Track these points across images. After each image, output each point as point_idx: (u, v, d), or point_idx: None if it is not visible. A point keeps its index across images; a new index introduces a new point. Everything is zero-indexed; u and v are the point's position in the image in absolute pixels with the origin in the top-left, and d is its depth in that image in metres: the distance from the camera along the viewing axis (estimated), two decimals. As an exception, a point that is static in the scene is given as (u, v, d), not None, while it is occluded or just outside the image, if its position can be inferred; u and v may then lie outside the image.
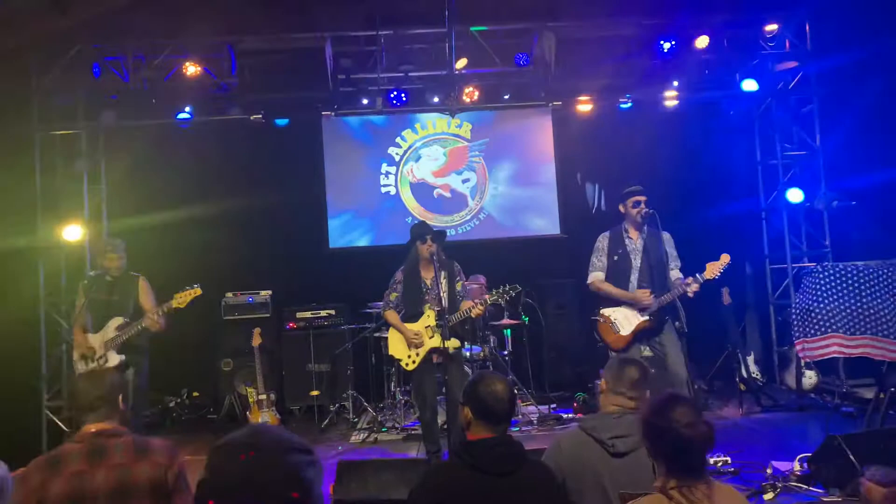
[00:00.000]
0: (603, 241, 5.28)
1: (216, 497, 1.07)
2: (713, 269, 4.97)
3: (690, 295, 4.93)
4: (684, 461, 2.11)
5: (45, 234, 7.09)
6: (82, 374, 2.99)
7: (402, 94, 7.32)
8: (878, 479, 2.21)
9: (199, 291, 5.15)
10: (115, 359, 5.10)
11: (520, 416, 6.60)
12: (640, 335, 5.07)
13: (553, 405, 6.89)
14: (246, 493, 1.06)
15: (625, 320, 5.09)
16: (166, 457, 2.54)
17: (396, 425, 6.57)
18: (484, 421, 2.48)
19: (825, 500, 4.03)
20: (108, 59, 6.95)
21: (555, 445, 2.86)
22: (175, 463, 2.56)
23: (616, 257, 5.19)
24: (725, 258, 5.00)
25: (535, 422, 6.51)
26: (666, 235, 5.18)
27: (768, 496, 4.15)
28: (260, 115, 7.29)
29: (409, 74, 7.35)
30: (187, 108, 7.35)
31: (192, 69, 6.88)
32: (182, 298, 5.11)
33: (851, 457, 3.91)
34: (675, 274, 5.14)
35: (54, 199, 7.25)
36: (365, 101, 7.61)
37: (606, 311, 5.16)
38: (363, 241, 8.30)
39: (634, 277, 5.13)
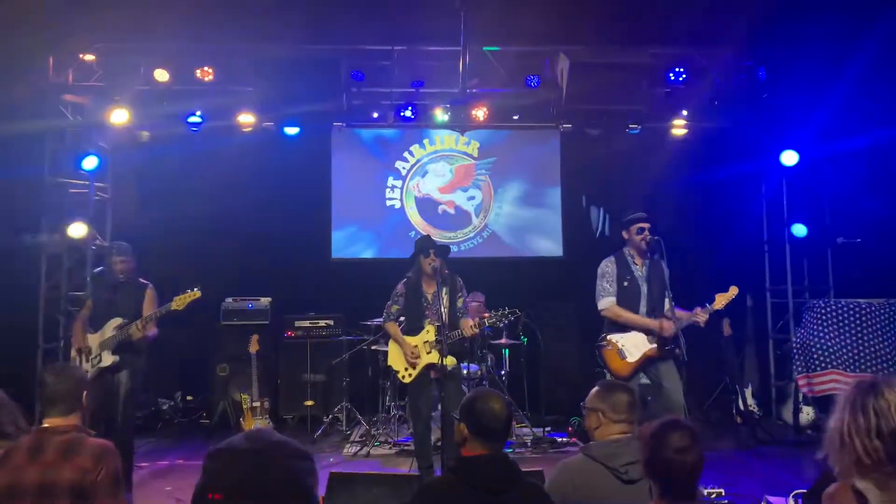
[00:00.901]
0: (610, 266, 5.16)
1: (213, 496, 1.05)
2: (722, 300, 4.94)
3: (701, 324, 4.90)
4: (673, 485, 2.17)
5: (49, 230, 7.10)
6: (49, 367, 3.04)
7: (413, 110, 7.36)
8: None
9: (198, 294, 5.12)
10: (108, 359, 5.06)
11: (514, 438, 6.56)
12: (645, 363, 4.99)
13: (548, 428, 6.84)
14: (245, 497, 1.05)
15: (633, 347, 4.98)
16: (92, 461, 2.54)
17: (389, 440, 6.53)
18: (480, 438, 2.47)
19: (819, 537, 3.99)
20: (124, 58, 7.00)
21: (562, 475, 2.78)
22: (99, 467, 2.54)
23: (626, 283, 5.09)
24: (734, 290, 4.97)
25: (529, 444, 6.47)
26: (663, 265, 5.16)
27: (761, 531, 4.11)
28: (272, 123, 7.33)
29: (421, 90, 7.40)
30: (198, 112, 7.38)
31: (205, 74, 6.93)
32: (181, 301, 5.08)
33: (847, 495, 3.87)
34: (667, 304, 5.09)
35: (60, 196, 7.28)
36: (375, 115, 7.65)
37: (614, 338, 5.03)
38: (366, 254, 8.31)
39: (644, 304, 5.06)
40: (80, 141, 7.41)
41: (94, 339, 5.10)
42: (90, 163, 7.22)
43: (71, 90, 7.15)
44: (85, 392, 2.80)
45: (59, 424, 2.67)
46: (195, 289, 5.11)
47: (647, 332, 4.98)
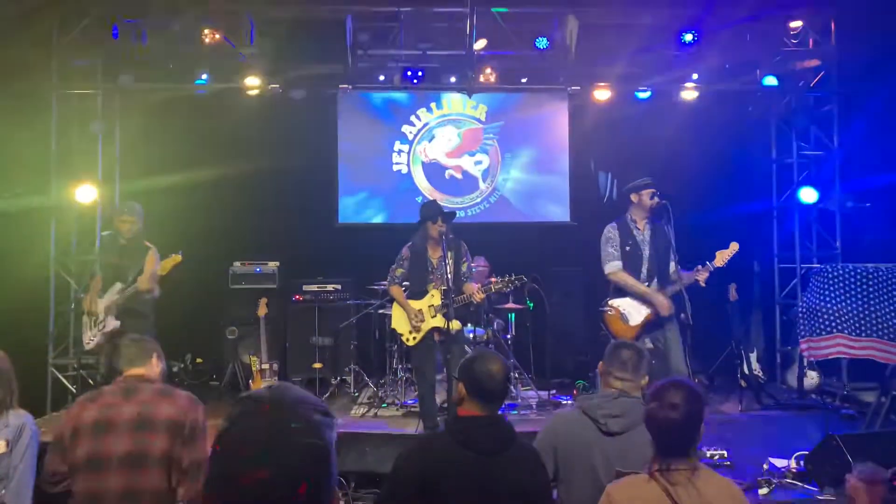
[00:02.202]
0: (613, 231, 5.27)
1: (235, 445, 1.08)
2: (722, 257, 5.02)
3: (702, 283, 4.96)
4: (663, 442, 2.22)
5: (58, 193, 7.13)
6: (125, 338, 3.26)
7: (420, 72, 7.28)
8: (864, 476, 2.21)
9: (179, 259, 5.12)
10: (112, 324, 5.11)
11: (519, 400, 6.64)
12: (647, 326, 5.07)
13: (553, 391, 6.92)
14: (266, 442, 1.08)
15: (634, 311, 5.08)
16: (188, 402, 2.82)
17: (396, 401, 6.61)
18: (477, 398, 2.51)
19: (819, 498, 4.06)
20: (128, 21, 6.93)
21: (552, 420, 3.00)
22: (195, 410, 2.81)
23: (627, 248, 5.19)
24: (734, 246, 5.05)
25: (534, 406, 6.54)
26: (669, 228, 5.18)
27: (763, 491, 4.18)
28: (277, 85, 7.28)
29: (428, 53, 7.31)
30: (204, 75, 7.33)
31: (210, 36, 6.86)
32: (163, 266, 5.09)
33: (849, 457, 3.92)
34: (672, 266, 5.14)
35: (68, 159, 7.29)
36: (382, 77, 7.58)
37: (615, 302, 5.15)
38: (377, 219, 8.29)
39: (645, 268, 5.14)
40: (88, 103, 7.39)
41: (101, 304, 5.15)
42: (98, 126, 7.20)
43: (77, 52, 7.11)
44: (156, 354, 3.02)
45: (141, 373, 2.87)
46: (178, 253, 5.12)
47: (644, 301, 5.05)
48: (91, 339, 5.18)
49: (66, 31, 6.96)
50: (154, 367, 2.96)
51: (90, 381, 6.31)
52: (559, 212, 8.36)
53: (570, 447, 2.78)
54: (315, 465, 1.10)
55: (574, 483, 2.74)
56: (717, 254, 5.05)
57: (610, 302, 5.18)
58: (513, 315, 7.19)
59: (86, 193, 7.12)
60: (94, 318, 5.18)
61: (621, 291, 5.16)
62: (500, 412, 2.60)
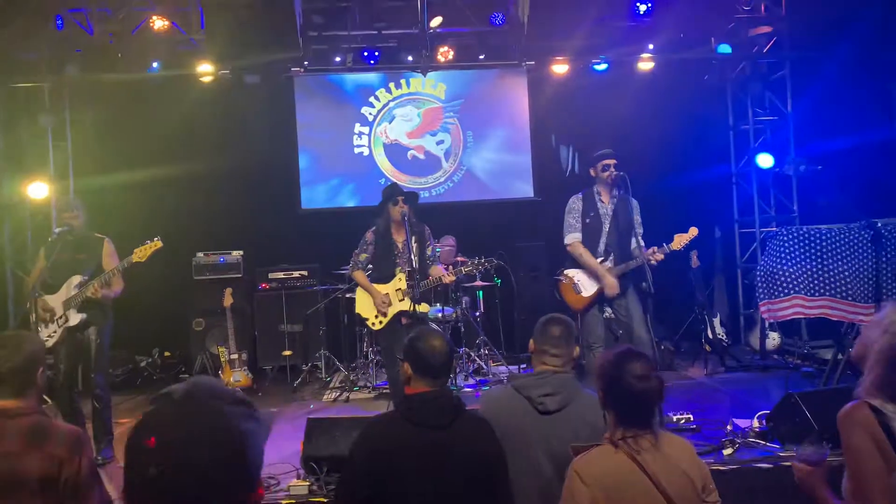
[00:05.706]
0: (577, 202, 5.28)
1: (144, 439, 1.07)
2: (680, 241, 5.02)
3: (653, 263, 4.96)
4: (632, 412, 2.21)
5: (9, 191, 6.94)
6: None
7: (375, 53, 7.20)
8: (806, 458, 2.25)
9: (159, 244, 4.87)
10: (75, 318, 4.94)
11: (490, 376, 6.72)
12: (601, 297, 5.12)
13: (523, 365, 6.99)
14: (179, 437, 1.07)
15: (587, 282, 5.13)
16: (65, 449, 2.24)
17: (368, 384, 6.63)
18: (422, 375, 2.54)
19: (781, 454, 4.17)
20: (71, 10, 6.72)
21: (487, 403, 2.93)
22: (76, 456, 2.25)
23: (588, 220, 5.21)
24: (693, 231, 5.05)
25: (504, 381, 6.61)
26: (633, 202, 5.22)
27: (727, 451, 4.27)
28: (228, 71, 7.14)
29: (383, 32, 7.23)
30: (155, 64, 7.15)
31: (159, 23, 6.69)
32: (142, 252, 4.86)
33: (807, 413, 4.04)
34: (634, 242, 5.17)
35: (19, 155, 7.09)
36: (337, 59, 7.48)
37: (570, 272, 5.19)
38: (349, 205, 8.20)
39: (603, 241, 5.16)
40: (35, 97, 7.17)
41: (56, 301, 4.98)
42: (47, 120, 7.00)
43: (20, 44, 6.88)
44: (41, 369, 2.42)
45: (12, 406, 2.31)
46: (156, 238, 4.93)
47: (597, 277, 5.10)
48: (51, 335, 5.01)
49: (5, 22, 6.72)
50: (31, 395, 2.35)
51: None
52: (523, 188, 8.38)
53: (505, 426, 2.66)
54: (226, 455, 1.10)
55: (510, 465, 2.68)
56: (676, 237, 5.05)
57: (565, 271, 5.22)
58: (481, 292, 7.23)
59: (38, 190, 6.94)
60: (50, 316, 4.99)
61: (576, 261, 5.20)
62: (447, 386, 2.62)
